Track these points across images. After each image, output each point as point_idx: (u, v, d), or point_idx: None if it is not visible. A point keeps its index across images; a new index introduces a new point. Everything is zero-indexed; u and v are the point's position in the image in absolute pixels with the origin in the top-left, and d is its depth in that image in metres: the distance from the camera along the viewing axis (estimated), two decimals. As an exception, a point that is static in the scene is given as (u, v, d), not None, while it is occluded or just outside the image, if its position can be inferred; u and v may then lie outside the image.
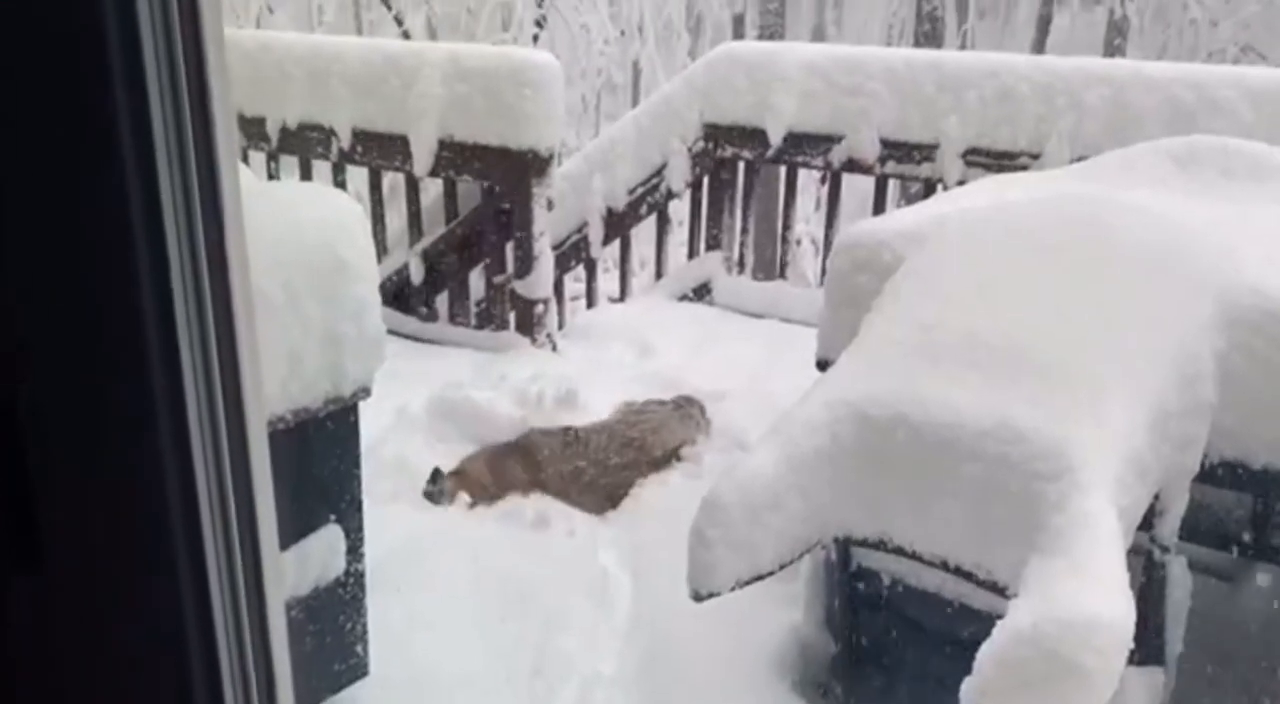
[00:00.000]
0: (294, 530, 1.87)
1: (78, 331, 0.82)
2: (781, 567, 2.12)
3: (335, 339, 1.81)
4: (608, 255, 5.29)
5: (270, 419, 1.75)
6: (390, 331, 4.49)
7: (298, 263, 1.74)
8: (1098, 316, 2.12)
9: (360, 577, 2.04)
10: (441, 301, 4.76)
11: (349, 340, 1.82)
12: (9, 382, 0.81)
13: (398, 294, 4.78)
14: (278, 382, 1.74)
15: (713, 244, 5.17)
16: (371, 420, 3.43)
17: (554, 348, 4.43)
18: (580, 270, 5.19)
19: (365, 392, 1.93)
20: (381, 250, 4.85)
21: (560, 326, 4.84)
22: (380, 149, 4.51)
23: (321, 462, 1.93)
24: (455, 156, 4.32)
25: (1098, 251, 2.24)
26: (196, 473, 0.90)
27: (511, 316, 4.49)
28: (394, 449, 3.37)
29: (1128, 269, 2.19)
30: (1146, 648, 2.16)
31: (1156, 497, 2.09)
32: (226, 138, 0.80)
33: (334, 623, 2.02)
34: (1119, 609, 1.67)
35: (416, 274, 4.64)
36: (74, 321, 0.82)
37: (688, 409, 3.56)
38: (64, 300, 0.81)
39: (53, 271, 0.80)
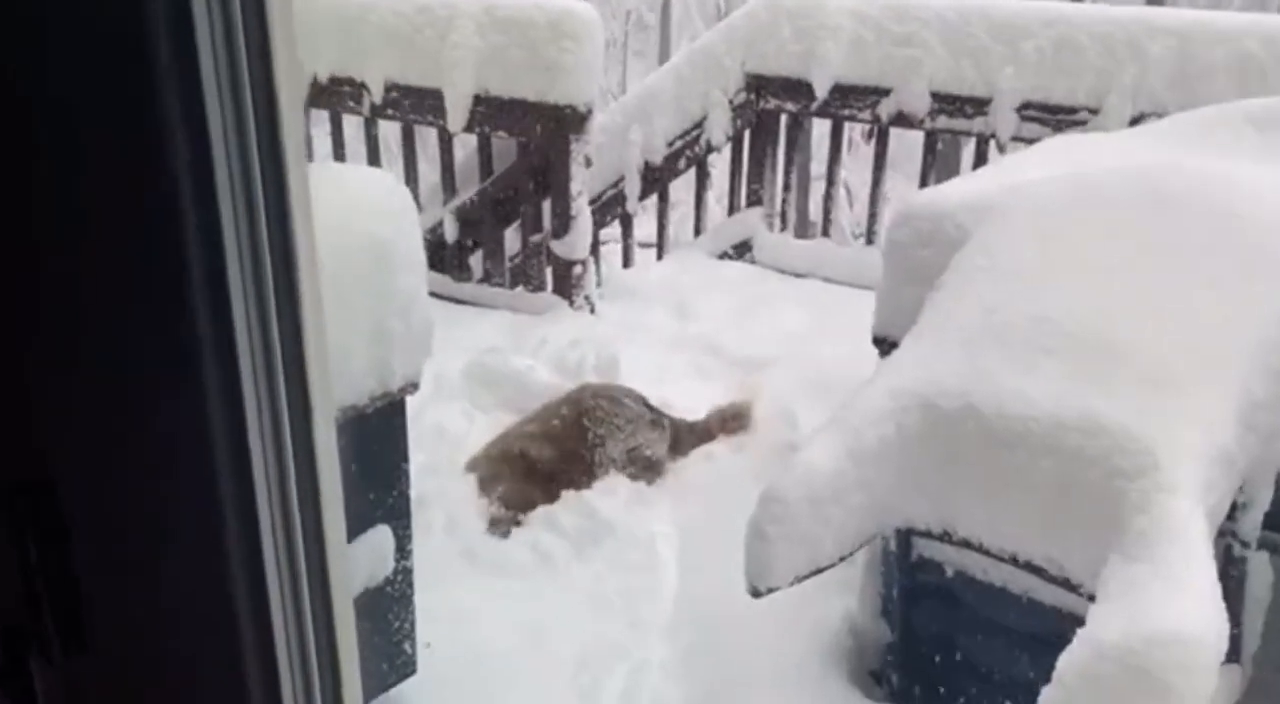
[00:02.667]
0: (342, 535, 1.80)
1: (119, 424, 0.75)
2: (841, 559, 2.05)
3: (383, 334, 1.72)
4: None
5: (315, 419, 1.67)
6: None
7: (343, 255, 1.65)
8: (1180, 299, 2.00)
9: (409, 574, 1.98)
10: (476, 261, 4.66)
11: (397, 335, 1.74)
12: (47, 461, 0.74)
13: (432, 253, 4.67)
14: (325, 381, 1.65)
15: (754, 200, 5.03)
16: (409, 387, 3.40)
17: (592, 310, 4.33)
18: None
19: (414, 386, 1.85)
20: (416, 208, 4.75)
21: (598, 284, 4.73)
22: (413, 103, 4.38)
23: (369, 460, 1.85)
24: (490, 111, 4.19)
25: (1181, 229, 2.11)
26: (264, 546, 0.82)
27: (549, 276, 4.39)
28: (432, 418, 3.30)
29: (1210, 248, 2.06)
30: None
31: (1239, 489, 1.98)
32: (295, 143, 0.71)
33: (382, 622, 1.97)
34: (1211, 625, 1.58)
35: (451, 232, 4.54)
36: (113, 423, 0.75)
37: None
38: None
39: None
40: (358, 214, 1.71)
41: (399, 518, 1.92)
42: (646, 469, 3.11)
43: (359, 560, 1.80)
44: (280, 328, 0.76)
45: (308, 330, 0.77)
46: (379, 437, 1.84)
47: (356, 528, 1.83)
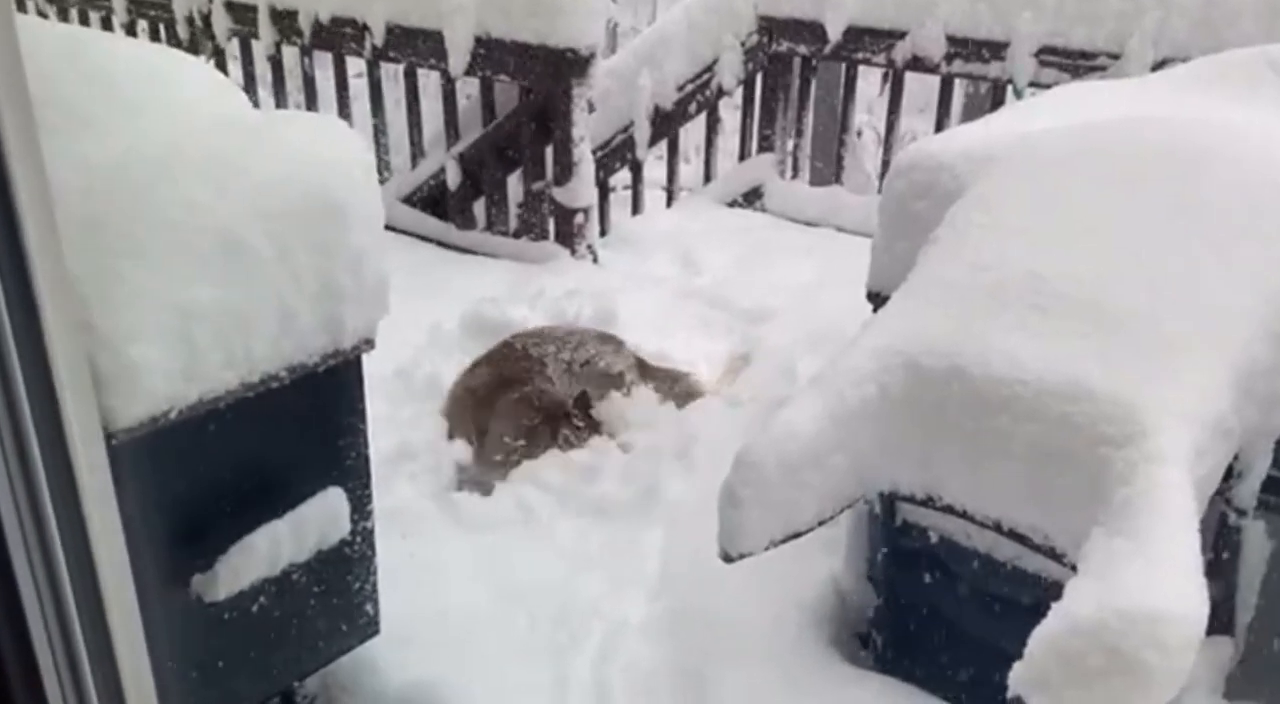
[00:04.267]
0: (290, 498, 1.76)
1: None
2: (820, 523, 1.99)
3: (332, 291, 1.66)
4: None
5: (263, 377, 1.63)
6: (427, 239, 4.47)
7: (287, 210, 1.59)
8: (1183, 261, 1.90)
9: (369, 535, 1.94)
10: (479, 208, 4.59)
11: (347, 292, 1.68)
12: None
13: (434, 200, 4.62)
14: (269, 339, 1.60)
15: (765, 146, 4.92)
16: (407, 337, 3.36)
17: (594, 259, 4.25)
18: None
19: (369, 343, 1.79)
20: (418, 153, 4.68)
21: (603, 234, 4.65)
22: (415, 46, 4.29)
23: (321, 420, 1.81)
24: (491, 54, 4.09)
25: (1186, 185, 2.01)
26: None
27: (551, 225, 4.32)
28: (427, 370, 3.26)
29: (1219, 207, 1.96)
30: (1214, 617, 2.00)
31: (1235, 457, 1.91)
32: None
33: (340, 584, 1.94)
34: (1190, 602, 1.51)
35: (453, 179, 4.46)
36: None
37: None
38: None
39: None
40: (305, 165, 1.64)
41: (355, 478, 1.88)
42: (610, 381, 3.07)
43: (308, 522, 1.77)
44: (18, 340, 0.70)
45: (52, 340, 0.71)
46: (331, 395, 1.79)
47: (306, 490, 1.79)
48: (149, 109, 1.66)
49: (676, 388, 3.19)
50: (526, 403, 2.93)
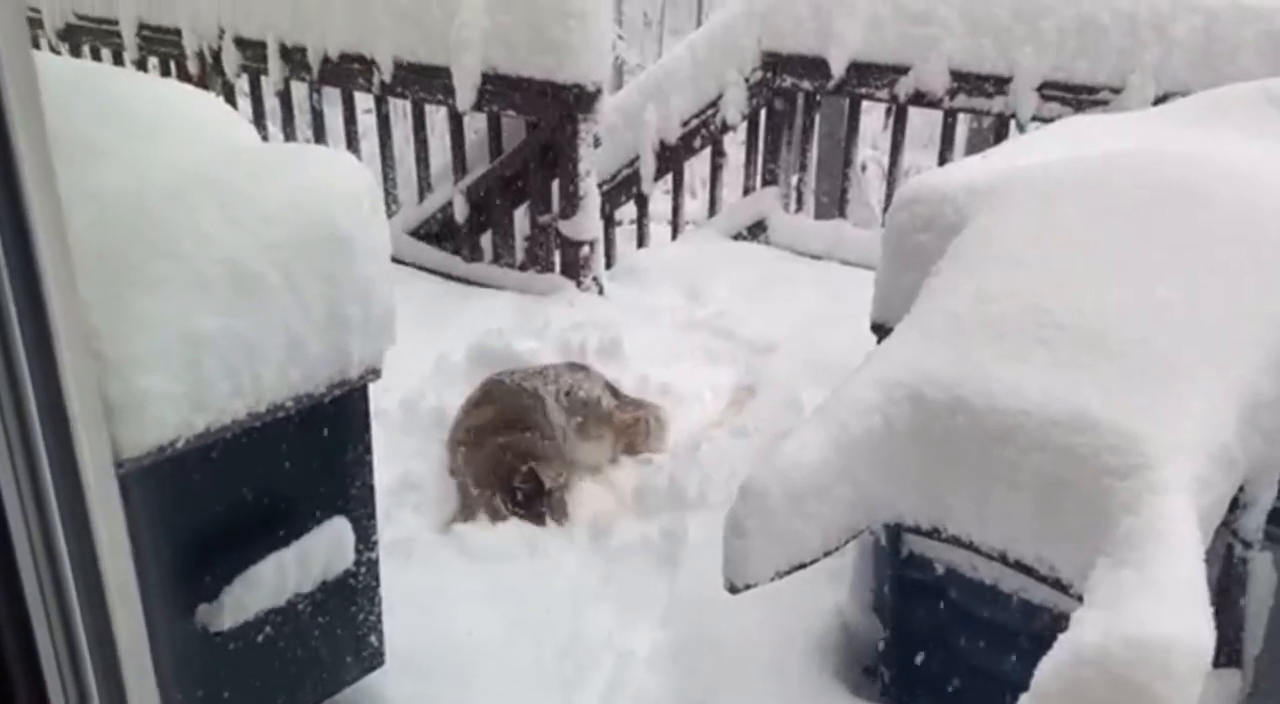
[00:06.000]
0: (295, 527, 1.77)
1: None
2: (826, 554, 1.99)
3: (339, 321, 1.68)
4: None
5: (270, 407, 1.64)
6: (434, 271, 4.49)
7: (295, 240, 1.61)
8: (1184, 292, 1.91)
9: (373, 565, 1.94)
10: (486, 241, 4.62)
11: (354, 322, 1.69)
12: None
13: (441, 233, 4.65)
14: (276, 367, 1.62)
15: (769, 180, 4.95)
16: (412, 369, 3.37)
17: (600, 291, 4.27)
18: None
19: (375, 373, 1.80)
20: (425, 188, 4.71)
21: (609, 266, 4.68)
22: (422, 82, 4.34)
23: (327, 450, 1.81)
24: (499, 90, 4.13)
25: (1186, 217, 2.02)
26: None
27: (557, 258, 4.34)
28: (432, 401, 3.27)
29: (1220, 239, 1.97)
30: (1222, 649, 1.99)
31: (1241, 489, 1.90)
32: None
33: (345, 614, 1.93)
34: (1197, 631, 1.50)
35: (460, 212, 4.50)
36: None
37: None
38: None
39: None
40: (313, 197, 1.66)
41: (360, 508, 1.88)
42: (593, 415, 3.09)
43: (313, 553, 1.77)
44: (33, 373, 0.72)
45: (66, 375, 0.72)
46: (337, 425, 1.80)
47: (312, 521, 1.80)
48: (159, 141, 1.68)
49: (641, 415, 3.19)
50: (501, 453, 2.87)
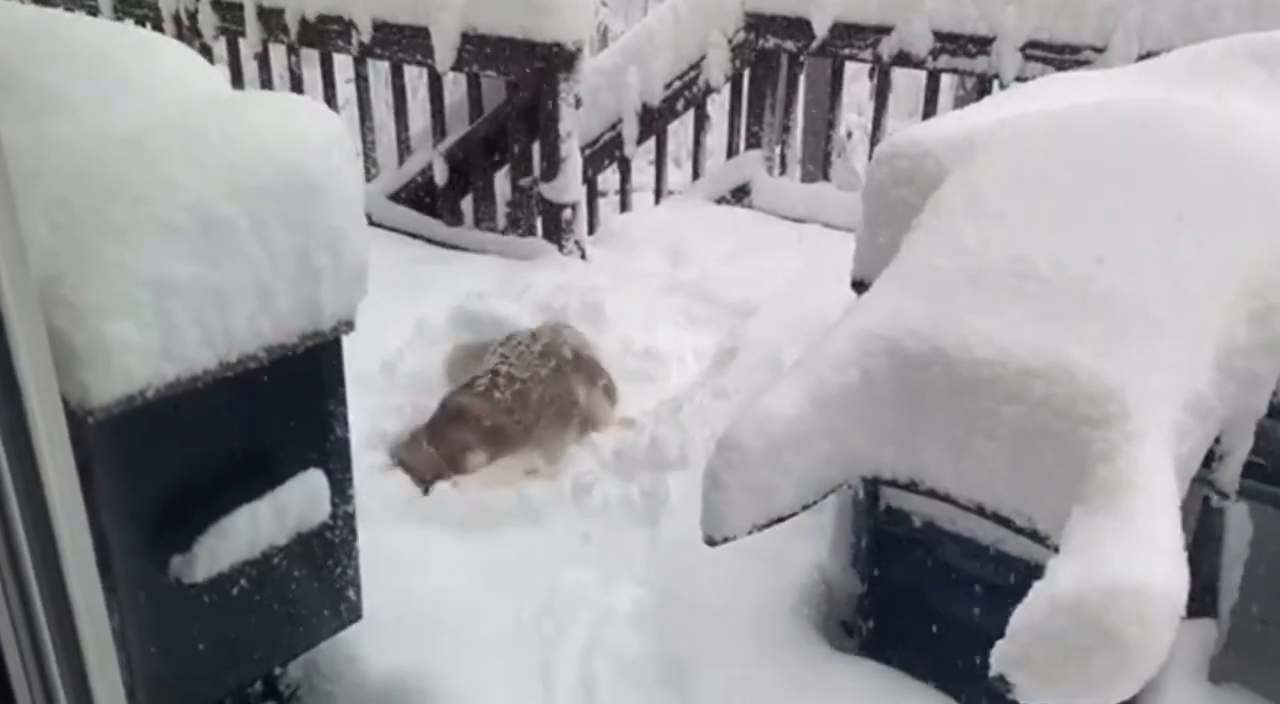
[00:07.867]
0: (269, 479, 1.75)
1: None
2: (804, 508, 1.99)
3: (310, 271, 1.66)
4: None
5: (241, 357, 1.62)
6: (414, 236, 4.45)
7: (264, 187, 1.58)
8: (1161, 241, 1.90)
9: (350, 519, 1.93)
10: (467, 205, 4.58)
11: (325, 272, 1.67)
12: None
13: (422, 196, 4.61)
14: (246, 317, 1.60)
15: (753, 142, 4.92)
16: (392, 333, 3.35)
17: (583, 255, 4.25)
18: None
19: (348, 326, 1.78)
20: (405, 150, 4.67)
21: (591, 231, 4.65)
22: (401, 42, 4.29)
23: (300, 402, 1.80)
24: (478, 50, 4.08)
25: (1164, 167, 2.01)
26: None
27: (539, 221, 4.31)
28: (411, 364, 3.25)
29: (1197, 188, 1.96)
30: (1198, 600, 2.00)
31: (1217, 439, 1.91)
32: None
33: (321, 568, 1.93)
34: (1170, 578, 1.51)
35: (441, 176, 4.46)
36: None
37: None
38: None
39: None
40: (282, 143, 1.63)
41: (336, 462, 1.87)
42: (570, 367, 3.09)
43: (287, 505, 1.76)
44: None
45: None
46: (310, 378, 1.78)
47: (286, 472, 1.78)
48: (125, 88, 1.65)
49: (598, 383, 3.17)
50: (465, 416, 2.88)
